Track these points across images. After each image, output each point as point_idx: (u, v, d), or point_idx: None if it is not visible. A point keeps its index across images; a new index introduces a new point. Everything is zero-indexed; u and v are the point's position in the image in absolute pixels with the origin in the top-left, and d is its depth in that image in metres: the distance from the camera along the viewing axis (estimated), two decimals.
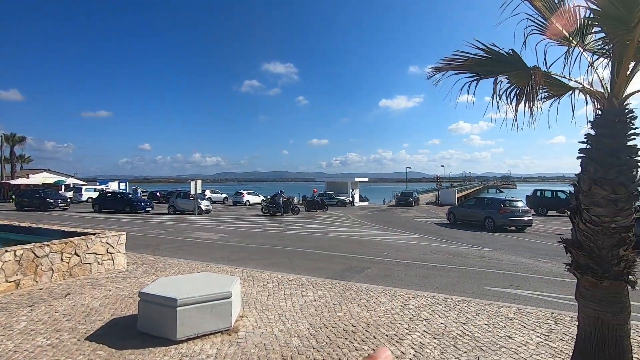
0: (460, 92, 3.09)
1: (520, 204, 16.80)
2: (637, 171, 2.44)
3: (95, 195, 31.81)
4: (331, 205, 30.94)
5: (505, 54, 2.94)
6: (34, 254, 5.67)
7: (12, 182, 39.52)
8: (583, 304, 2.61)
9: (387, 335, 4.05)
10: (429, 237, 14.13)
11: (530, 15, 2.80)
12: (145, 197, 33.72)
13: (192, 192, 22.35)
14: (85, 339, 3.84)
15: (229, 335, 3.98)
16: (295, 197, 31.44)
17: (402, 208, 31.62)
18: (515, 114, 2.95)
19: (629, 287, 2.48)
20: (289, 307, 5.00)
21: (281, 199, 23.76)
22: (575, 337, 3.46)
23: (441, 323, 4.47)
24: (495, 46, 2.98)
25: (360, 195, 38.67)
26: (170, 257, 8.70)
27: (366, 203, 38.70)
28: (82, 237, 6.59)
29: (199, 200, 23.22)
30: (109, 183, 46.04)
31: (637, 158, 2.44)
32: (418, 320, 4.54)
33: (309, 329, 4.23)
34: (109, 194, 27.96)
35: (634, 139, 2.44)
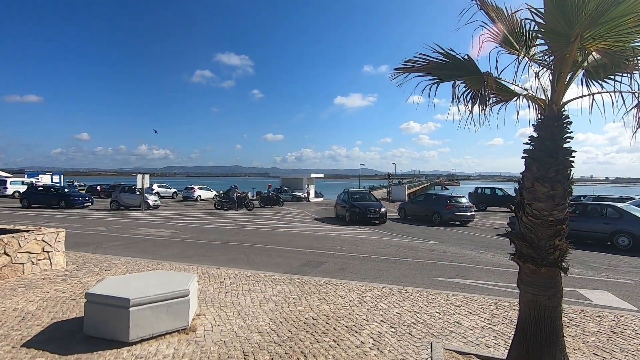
0: (413, 92, 3.24)
1: (464, 200, 18.02)
2: (571, 170, 2.75)
3: (23, 188, 28.70)
4: (286, 201, 30.84)
5: (462, 59, 3.14)
6: None
7: None
8: (524, 289, 2.90)
9: (346, 327, 4.17)
10: (382, 231, 14.66)
11: (486, 24, 3.02)
12: (83, 192, 31.11)
13: (139, 186, 21.04)
14: (21, 346, 3.49)
15: (187, 334, 3.85)
16: (250, 193, 30.91)
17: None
18: (471, 115, 3.17)
19: (562, 273, 2.79)
20: (248, 303, 4.93)
21: (235, 194, 23.22)
22: (515, 320, 3.83)
23: (397, 313, 4.69)
24: (453, 51, 3.17)
25: (315, 191, 38.98)
26: (116, 256, 8.14)
27: (321, 199, 39.12)
28: (13, 234, 5.93)
29: (147, 195, 21.94)
30: (40, 175, 41.67)
31: (571, 159, 2.75)
32: (375, 311, 4.73)
33: (269, 324, 4.22)
34: (40, 188, 25.34)
35: (569, 141, 2.74)
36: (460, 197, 18.62)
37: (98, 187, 36.13)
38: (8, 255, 5.66)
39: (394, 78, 3.39)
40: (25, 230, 6.32)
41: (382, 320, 4.39)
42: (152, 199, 22.80)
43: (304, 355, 3.46)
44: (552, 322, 2.75)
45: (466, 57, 3.14)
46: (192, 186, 34.24)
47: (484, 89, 3.02)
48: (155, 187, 33.56)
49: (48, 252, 6.26)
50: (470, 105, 3.09)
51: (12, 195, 31.64)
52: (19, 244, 5.83)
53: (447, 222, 17.12)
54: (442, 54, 3.16)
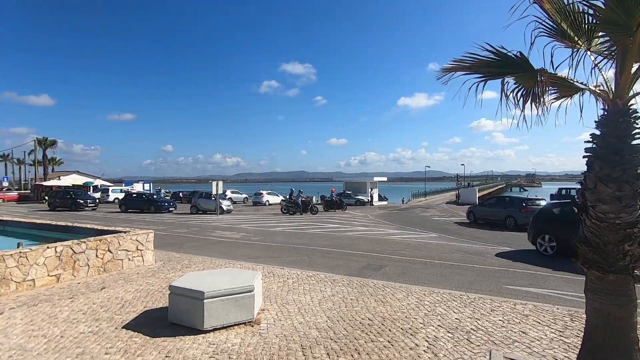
0: (481, 89, 3.22)
1: (543, 202, 16.43)
2: None
3: (121, 195, 33.14)
4: (350, 204, 31.04)
5: (513, 56, 3.05)
6: (72, 250, 6.13)
7: (45, 183, 41.63)
8: (590, 297, 2.70)
9: (402, 329, 4.21)
10: (448, 236, 14.06)
11: (539, 18, 2.90)
12: (169, 198, 34.82)
13: (214, 192, 22.98)
14: (122, 328, 4.19)
15: (252, 326, 4.24)
16: (314, 197, 31.74)
17: (421, 208, 31.35)
18: (522, 113, 3.06)
19: (634, 281, 2.55)
20: (307, 301, 5.22)
21: (300, 199, 24.08)
22: None
23: (455, 318, 4.58)
24: (504, 48, 3.09)
25: (379, 194, 38.57)
26: (194, 255, 9.10)
27: (385, 202, 38.58)
28: (114, 235, 7.05)
29: (221, 200, 23.85)
30: (134, 184, 47.71)
31: None
32: (433, 315, 4.67)
33: (326, 321, 4.44)
34: (135, 195, 29.08)
35: (638, 138, 2.51)
36: (539, 199, 17.02)
37: (180, 194, 40.16)
38: (111, 252, 6.75)
39: (440, 78, 3.41)
40: (123, 231, 7.46)
41: (439, 325, 4.34)
42: (225, 204, 24.71)
43: (358, 353, 3.60)
44: (624, 333, 2.53)
45: (518, 53, 3.04)
46: (261, 191, 36.25)
47: (538, 86, 2.90)
48: (228, 193, 36.23)
49: (141, 250, 7.29)
50: (521, 103, 2.98)
51: (113, 202, 36.72)
52: (119, 243, 6.90)
53: (524, 226, 15.76)
54: (492, 51, 3.11)
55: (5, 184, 48.87)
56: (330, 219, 20.61)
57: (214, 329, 4.08)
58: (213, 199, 23.96)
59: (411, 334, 4.06)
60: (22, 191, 43.62)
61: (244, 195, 39.72)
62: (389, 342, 3.85)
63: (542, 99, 2.94)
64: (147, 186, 47.39)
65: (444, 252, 10.46)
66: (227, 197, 31.86)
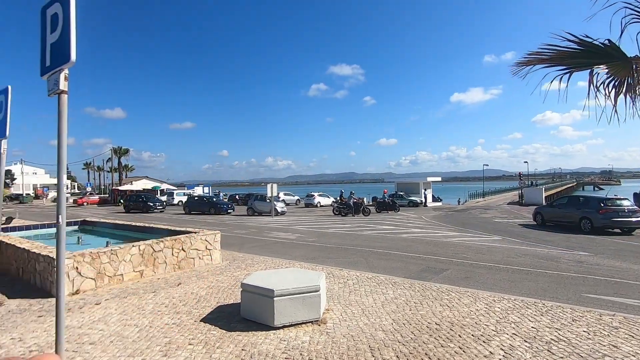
0: (547, 80, 3.03)
1: (626, 202, 14.71)
2: None
3: (184, 198, 35.65)
4: (402, 206, 30.36)
5: (601, 45, 2.82)
6: (153, 249, 6.76)
7: (120, 188, 46.18)
8: None
9: (473, 335, 4.05)
10: (513, 239, 13.18)
11: (629, 4, 2.66)
12: (227, 200, 36.73)
13: (269, 194, 23.82)
14: (200, 321, 4.54)
15: (319, 325, 4.36)
16: (365, 198, 31.52)
17: (480, 209, 29.68)
18: (615, 106, 2.81)
19: None
20: (370, 303, 5.23)
21: (352, 200, 24.07)
22: None
23: (532, 327, 4.30)
24: (589, 37, 2.87)
25: (432, 195, 37.24)
26: (256, 255, 9.52)
27: (439, 203, 37.13)
28: (187, 235, 7.64)
29: (275, 202, 24.65)
30: (195, 187, 51.10)
31: None
32: (506, 323, 4.43)
33: (392, 324, 4.41)
34: (196, 198, 31.10)
35: None
36: (621, 198, 15.25)
37: (237, 196, 42.17)
38: (184, 251, 7.32)
39: (516, 72, 3.26)
40: (193, 232, 8.05)
41: (514, 333, 4.10)
42: (279, 206, 25.49)
43: (429, 357, 3.54)
44: None
45: (607, 42, 2.80)
46: (313, 193, 36.84)
47: (632, 76, 2.65)
48: (281, 195, 37.31)
49: (209, 249, 7.81)
50: (613, 95, 2.74)
51: (177, 204, 39.63)
52: (191, 243, 7.46)
53: (602, 229, 14.24)
54: (576, 41, 2.90)
55: (89, 189, 55.04)
56: (384, 221, 20.33)
57: (284, 326, 4.26)
58: (268, 201, 24.84)
59: (484, 342, 3.89)
60: (101, 195, 48.79)
61: (296, 197, 40.62)
62: (461, 348, 3.73)
63: (636, 90, 2.68)
64: (206, 189, 50.45)
65: (510, 256, 9.83)
66: (281, 199, 32.84)
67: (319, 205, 35.04)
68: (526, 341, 3.90)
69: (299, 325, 4.32)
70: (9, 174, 55.04)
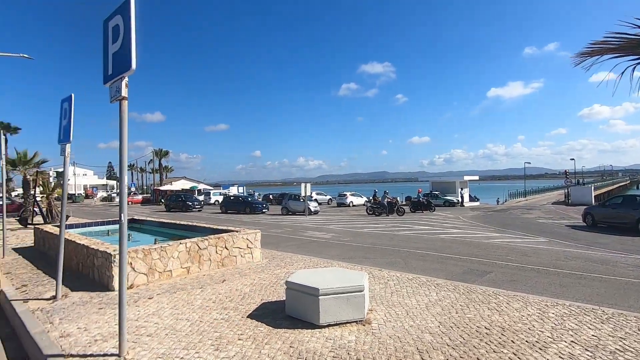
0: (595, 72, 2.84)
1: None
2: None
3: (220, 198, 36.80)
4: (438, 205, 29.60)
5: None
6: (198, 246, 7.04)
7: (161, 188, 48.47)
8: None
9: (527, 341, 3.87)
10: (561, 241, 12.45)
11: None
12: (261, 200, 37.53)
13: (302, 194, 24.05)
14: (247, 317, 4.67)
15: (363, 325, 4.34)
16: (398, 198, 31.02)
17: (522, 209, 28.28)
18: None
19: None
20: (414, 304, 5.14)
21: (385, 200, 23.77)
22: None
23: (593, 335, 4.04)
24: None
25: (469, 194, 35.96)
26: (293, 254, 9.65)
27: (477, 203, 35.80)
28: (229, 233, 7.88)
29: (308, 201, 24.86)
30: (230, 187, 52.62)
31: None
32: (562, 330, 4.19)
33: (439, 326, 4.31)
34: (232, 197, 32.02)
35: None
36: None
37: (270, 196, 42.96)
38: (227, 249, 7.56)
39: (579, 64, 3.08)
40: (235, 231, 8.29)
41: (572, 341, 3.87)
42: (313, 205, 25.68)
43: None
44: None
45: None
46: (345, 193, 36.77)
47: None
48: (314, 195, 37.55)
49: (250, 248, 8.02)
50: None
51: (214, 204, 40.99)
52: (233, 241, 7.69)
53: None
54: None
55: (133, 189, 58.27)
56: (419, 221, 19.91)
57: (329, 325, 4.29)
58: (302, 200, 25.09)
59: (540, 349, 3.70)
60: (144, 195, 51.50)
61: (328, 197, 40.72)
62: (515, 354, 3.58)
63: None
64: (240, 189, 51.82)
65: (559, 259, 9.29)
66: (313, 198, 33.06)
67: (351, 204, 34.92)
68: (587, 350, 3.67)
69: (344, 325, 4.33)
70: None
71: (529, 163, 50.14)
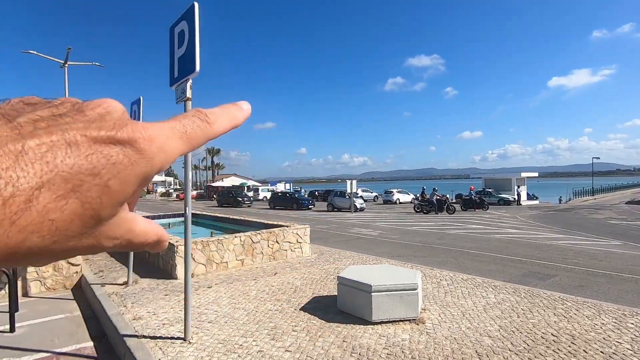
0: None
1: None
2: None
3: (269, 194, 37.93)
4: (492, 204, 28.02)
5: None
6: (251, 240, 7.34)
7: (213, 184, 51.08)
8: None
9: (602, 352, 3.55)
10: (638, 244, 11.19)
11: None
12: (307, 196, 38.10)
13: (348, 191, 24.02)
14: (299, 309, 4.79)
15: (417, 324, 4.25)
16: (448, 195, 29.79)
17: (589, 209, 25.83)
18: None
19: None
20: (470, 306, 4.93)
21: (435, 197, 22.98)
22: None
23: None
24: None
25: (527, 192, 33.57)
26: (341, 250, 9.69)
27: (536, 202, 33.32)
28: (279, 228, 8.12)
29: (354, 198, 24.77)
30: (277, 184, 54.04)
31: None
32: None
33: (499, 330, 4.10)
34: (280, 194, 32.85)
35: None
36: None
37: (316, 192, 43.44)
38: (278, 243, 7.79)
39: None
40: (285, 225, 8.52)
41: None
42: (359, 202, 25.54)
43: None
44: None
45: None
46: (391, 190, 36.09)
47: None
48: (359, 192, 37.34)
49: (300, 243, 8.19)
50: None
51: (262, 200, 42.37)
52: (284, 235, 7.91)
53: None
54: None
55: None
56: (471, 219, 19.00)
57: (381, 322, 4.26)
58: (347, 197, 25.07)
59: None
60: (198, 191, 54.64)
61: (374, 194, 40.24)
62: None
63: None
64: (287, 186, 52.99)
65: (636, 265, 8.37)
66: (359, 195, 32.90)
67: (398, 202, 34.20)
68: None
69: (397, 323, 4.28)
70: None
71: (598, 158, 45.54)
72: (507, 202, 29.55)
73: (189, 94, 3.79)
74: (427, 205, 23.08)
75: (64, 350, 4.09)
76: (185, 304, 3.89)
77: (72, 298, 5.97)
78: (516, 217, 19.99)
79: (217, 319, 4.52)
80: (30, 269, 6.11)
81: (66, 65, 17.90)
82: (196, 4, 3.57)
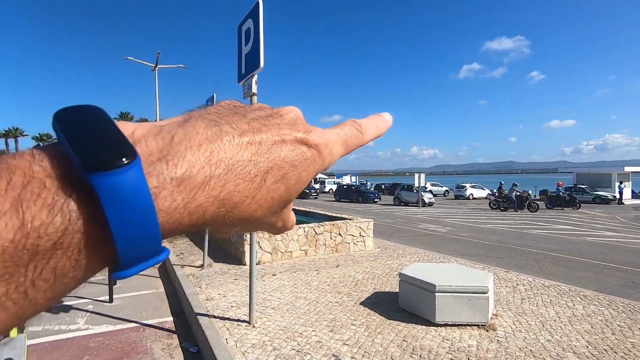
0: None
1: None
2: None
3: (334, 187, 38.33)
4: (584, 202, 24.69)
5: None
6: (315, 231, 7.48)
7: None
8: None
9: None
10: None
11: None
12: (373, 189, 37.65)
13: (416, 184, 23.15)
14: (359, 304, 4.76)
15: (486, 330, 3.93)
16: (530, 191, 26.95)
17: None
18: None
19: None
20: (552, 316, 4.40)
21: (514, 193, 20.99)
22: None
23: None
24: None
25: (632, 190, 28.88)
26: (406, 245, 9.38)
27: None
28: (342, 221, 8.14)
29: (422, 192, 23.79)
30: (343, 177, 54.26)
31: None
32: None
33: (587, 347, 3.59)
34: (345, 186, 32.96)
35: None
36: None
37: (382, 186, 42.70)
38: (340, 236, 7.83)
39: None
40: (348, 218, 8.51)
41: None
42: (427, 197, 24.48)
43: None
44: None
45: None
46: (464, 184, 33.89)
47: None
48: (428, 186, 35.76)
49: (363, 236, 8.12)
50: None
51: (328, 192, 42.98)
52: (346, 228, 7.92)
53: None
54: None
55: None
56: (557, 219, 16.97)
57: (446, 324, 4.03)
58: (415, 191, 24.19)
59: None
60: None
61: (444, 188, 38.24)
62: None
63: None
64: (353, 178, 52.94)
65: None
66: (428, 189, 31.49)
67: (471, 197, 32.01)
68: None
69: (463, 327, 4.01)
70: None
71: None
72: (604, 201, 25.76)
73: (254, 89, 3.94)
74: (504, 201, 21.21)
75: (149, 322, 4.62)
76: (250, 290, 4.10)
77: (158, 276, 6.72)
78: (616, 218, 17.32)
79: (279, 306, 4.70)
80: None
81: (156, 68, 20.02)
82: (260, 2, 3.67)
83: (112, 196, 0.19)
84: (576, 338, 3.79)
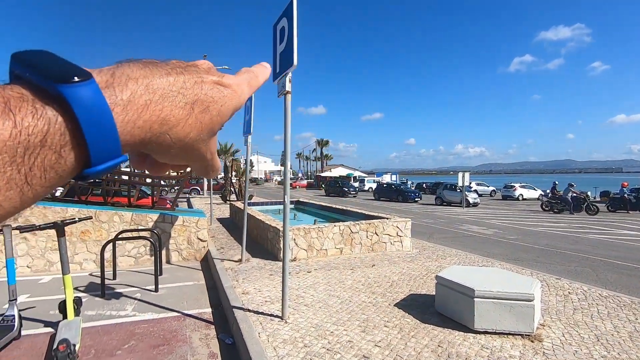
0: None
1: None
2: None
3: (374, 185, 37.86)
4: None
5: None
6: (350, 230, 7.42)
7: (322, 174, 53.52)
8: None
9: None
10: None
11: None
12: (414, 188, 36.67)
13: (459, 184, 22.20)
14: (394, 305, 4.64)
15: (532, 341, 3.66)
16: (589, 193, 24.73)
17: None
18: None
19: None
20: (609, 330, 4.00)
21: (570, 194, 19.41)
22: None
23: None
24: None
25: None
26: (446, 247, 9.02)
27: None
28: (379, 220, 8.00)
29: (466, 192, 22.76)
30: (383, 175, 53.44)
31: None
32: None
33: None
34: (385, 185, 32.41)
35: None
36: None
37: (424, 185, 41.48)
38: (377, 235, 7.70)
39: None
40: (385, 217, 8.35)
41: None
42: (471, 197, 23.38)
43: None
44: None
45: None
46: (513, 184, 31.94)
47: None
48: (473, 185, 34.15)
49: (400, 236, 7.93)
50: None
51: (368, 190, 42.54)
52: (383, 228, 7.77)
53: None
54: None
55: (300, 175, 66.70)
56: (620, 223, 15.43)
57: (485, 332, 3.81)
58: (459, 190, 23.20)
59: None
60: (308, 180, 58.17)
61: (491, 188, 36.30)
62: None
63: None
64: (393, 177, 51.95)
65: None
66: (473, 189, 30.08)
67: (520, 198, 30.10)
68: None
69: (505, 336, 3.76)
70: (250, 162, 74.11)
71: None
72: None
73: (288, 87, 3.97)
74: (559, 203, 19.69)
75: (189, 312, 4.85)
76: (282, 286, 4.16)
77: (200, 269, 7.04)
78: None
79: (312, 303, 4.72)
80: (171, 244, 7.43)
81: None
82: (294, 0, 3.69)
83: (79, 103, 0.24)
84: (637, 356, 3.41)
